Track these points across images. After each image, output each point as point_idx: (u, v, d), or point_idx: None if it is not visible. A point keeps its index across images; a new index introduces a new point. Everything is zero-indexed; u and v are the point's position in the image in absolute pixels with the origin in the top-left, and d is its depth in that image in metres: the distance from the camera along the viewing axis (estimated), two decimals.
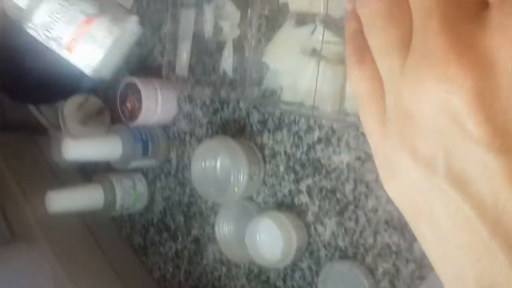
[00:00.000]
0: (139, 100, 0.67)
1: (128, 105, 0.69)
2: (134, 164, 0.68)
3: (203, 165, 0.63)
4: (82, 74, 0.67)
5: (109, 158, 0.67)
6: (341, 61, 0.53)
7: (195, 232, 0.69)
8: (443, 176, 0.18)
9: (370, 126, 0.22)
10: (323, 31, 0.53)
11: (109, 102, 0.75)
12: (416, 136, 0.18)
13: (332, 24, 0.54)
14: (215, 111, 0.68)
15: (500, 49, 0.17)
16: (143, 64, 0.75)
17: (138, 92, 0.67)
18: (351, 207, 0.56)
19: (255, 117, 0.64)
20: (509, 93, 0.16)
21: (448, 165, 0.18)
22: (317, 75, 0.54)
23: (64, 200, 0.65)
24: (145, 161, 0.69)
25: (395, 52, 0.19)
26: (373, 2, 0.20)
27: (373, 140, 0.22)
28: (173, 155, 0.71)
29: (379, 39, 0.20)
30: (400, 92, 0.19)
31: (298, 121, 0.60)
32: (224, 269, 0.67)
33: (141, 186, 0.71)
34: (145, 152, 0.67)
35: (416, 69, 0.18)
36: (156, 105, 0.68)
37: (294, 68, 0.57)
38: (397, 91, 0.19)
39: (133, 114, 0.68)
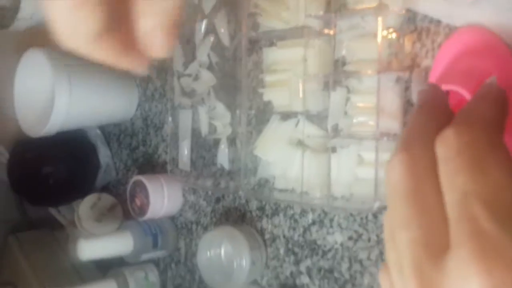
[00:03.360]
0: (147, 197, 0.72)
1: (137, 201, 0.74)
2: (145, 256, 0.72)
3: (208, 254, 0.67)
4: (94, 174, 0.73)
5: (122, 254, 0.71)
6: (324, 150, 0.58)
7: None
8: None
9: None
10: (304, 125, 0.59)
11: (120, 198, 0.81)
12: None
13: (312, 117, 0.59)
14: (217, 200, 0.72)
15: None
16: (150, 161, 0.81)
17: (145, 189, 0.72)
18: (349, 285, 0.59)
19: (253, 204, 0.68)
20: None
21: None
22: (303, 164, 0.59)
23: None
24: (156, 253, 0.73)
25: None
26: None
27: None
28: (181, 244, 0.75)
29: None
30: None
31: (293, 205, 0.64)
32: None
33: (153, 276, 0.75)
34: (155, 245, 0.72)
35: None
36: (163, 199, 0.73)
37: (283, 158, 0.62)
38: None
39: (142, 209, 0.73)
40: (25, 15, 0.72)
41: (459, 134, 0.21)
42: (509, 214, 0.19)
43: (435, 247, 0.20)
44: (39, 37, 0.62)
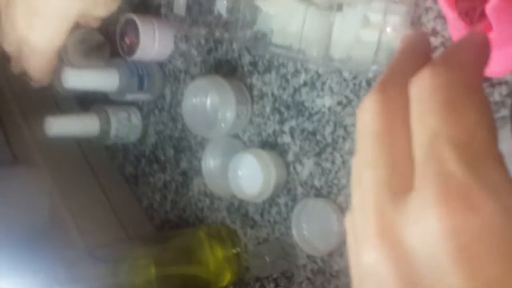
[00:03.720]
0: (137, 36, 0.69)
1: (127, 40, 0.71)
2: (129, 97, 0.71)
3: (194, 101, 0.66)
4: None
5: (106, 89, 0.70)
6: (330, 7, 0.55)
7: (183, 165, 0.73)
8: None
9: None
10: None
11: (109, 38, 0.78)
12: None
13: None
14: (209, 51, 0.70)
15: (416, 236, 0.18)
16: (144, 2, 0.77)
17: (136, 28, 0.69)
18: (329, 149, 0.59)
19: (246, 58, 0.66)
20: (430, 281, 0.18)
21: None
22: (305, 20, 0.56)
23: (62, 126, 0.69)
24: (140, 95, 0.72)
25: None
26: None
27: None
28: (167, 91, 0.74)
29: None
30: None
31: (286, 64, 0.62)
32: (207, 201, 0.71)
33: (136, 119, 0.74)
34: (140, 86, 0.70)
35: (361, 238, 0.21)
36: (154, 42, 0.70)
37: (285, 12, 0.59)
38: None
39: (131, 49, 0.71)
40: None
41: (435, 75, 0.20)
42: (478, 158, 0.18)
43: (398, 188, 0.20)
44: None
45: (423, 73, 0.20)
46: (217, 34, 0.67)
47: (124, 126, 0.73)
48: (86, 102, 0.75)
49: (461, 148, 0.18)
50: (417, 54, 0.23)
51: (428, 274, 0.18)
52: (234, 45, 0.67)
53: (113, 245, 0.61)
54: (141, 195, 0.77)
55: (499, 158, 0.19)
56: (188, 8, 0.69)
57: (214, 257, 0.65)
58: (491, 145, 0.19)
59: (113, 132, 0.72)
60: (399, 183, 0.20)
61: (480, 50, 0.22)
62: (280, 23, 0.60)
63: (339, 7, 0.54)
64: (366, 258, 0.20)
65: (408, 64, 0.22)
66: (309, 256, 0.60)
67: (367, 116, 0.21)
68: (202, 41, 0.71)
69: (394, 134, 0.21)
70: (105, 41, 0.77)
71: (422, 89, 0.20)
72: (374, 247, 0.19)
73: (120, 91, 0.70)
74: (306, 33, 0.57)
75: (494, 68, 0.45)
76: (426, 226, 0.18)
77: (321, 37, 0.56)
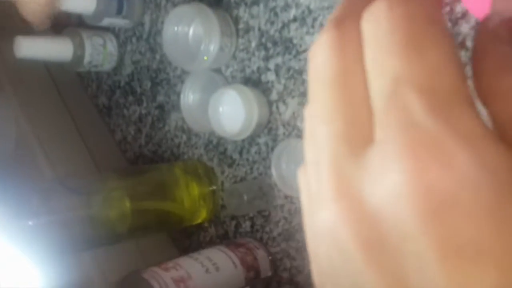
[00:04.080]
0: None
1: None
2: (107, 21, 0.66)
3: (175, 29, 0.62)
4: None
5: (83, 12, 0.65)
6: None
7: (160, 98, 0.70)
8: None
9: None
10: None
11: None
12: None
13: None
14: None
15: (379, 195, 0.16)
16: None
17: None
18: None
19: None
20: (395, 244, 0.16)
21: None
22: None
23: (33, 47, 0.65)
24: (118, 20, 0.67)
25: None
26: None
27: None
28: (147, 19, 0.70)
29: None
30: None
31: None
32: (184, 137, 0.68)
33: (111, 46, 0.70)
34: (119, 10, 0.66)
35: (316, 197, 0.18)
36: None
37: None
38: None
39: None
40: None
41: (391, 7, 0.17)
42: (447, 104, 0.16)
43: (356, 141, 0.17)
44: None
45: (377, 5, 0.17)
46: None
47: (99, 53, 0.69)
48: (59, 26, 0.70)
49: (427, 93, 0.16)
50: None
51: (392, 237, 0.16)
52: None
53: (86, 176, 0.59)
54: (115, 127, 0.74)
55: (470, 102, 0.16)
56: None
57: (190, 194, 0.64)
58: (460, 87, 0.16)
59: (87, 58, 0.68)
60: (358, 136, 0.18)
61: None
62: None
63: None
64: (322, 219, 0.18)
65: None
66: (287, 197, 0.60)
67: (320, 59, 0.19)
68: None
69: (350, 79, 0.18)
70: None
71: (377, 24, 0.17)
72: (331, 207, 0.17)
73: (97, 14, 0.65)
74: None
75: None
76: (390, 183, 0.16)
77: None
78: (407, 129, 0.16)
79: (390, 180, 0.16)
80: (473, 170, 0.15)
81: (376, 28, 0.17)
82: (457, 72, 0.16)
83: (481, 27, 0.19)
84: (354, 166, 0.17)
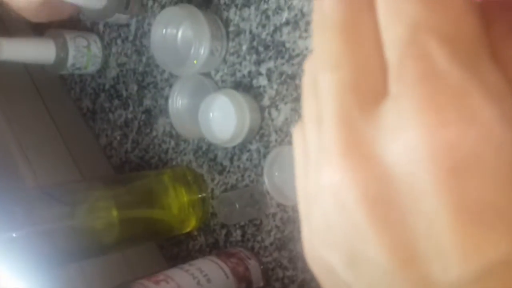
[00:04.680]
0: None
1: None
2: (114, 18, 0.63)
3: (164, 31, 0.60)
4: None
5: (91, 6, 0.61)
6: None
7: (147, 102, 0.67)
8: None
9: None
10: None
11: None
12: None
13: None
14: None
15: (393, 153, 0.15)
16: None
17: None
18: None
19: None
20: (406, 205, 0.15)
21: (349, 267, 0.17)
22: None
23: (14, 49, 0.61)
24: (125, 16, 0.64)
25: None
26: None
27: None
28: (132, 20, 0.67)
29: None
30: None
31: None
32: (172, 143, 0.66)
33: (96, 48, 0.68)
34: (127, 5, 0.63)
35: (317, 154, 0.17)
36: None
37: None
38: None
39: None
40: None
41: None
42: (472, 54, 0.15)
43: (369, 92, 0.16)
44: None
45: None
46: None
47: (83, 55, 0.66)
48: (41, 28, 0.67)
49: (451, 41, 0.14)
50: None
51: (402, 197, 0.15)
52: None
53: (71, 185, 0.56)
54: (99, 132, 0.71)
55: (491, 54, 0.15)
56: None
57: (179, 202, 0.62)
58: (484, 38, 0.15)
59: (70, 61, 0.65)
60: (369, 86, 0.16)
61: None
62: None
63: None
64: (325, 178, 0.16)
65: None
66: (279, 205, 0.58)
67: (327, 4, 0.17)
68: None
69: (360, 24, 0.16)
70: None
71: None
72: (337, 164, 0.16)
73: (108, 9, 0.61)
74: None
75: None
76: (406, 139, 0.14)
77: None
78: (428, 79, 0.14)
79: (406, 136, 0.14)
80: (499, 127, 0.14)
81: None
82: (479, 21, 0.15)
83: None
84: (366, 120, 0.16)
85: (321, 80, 0.17)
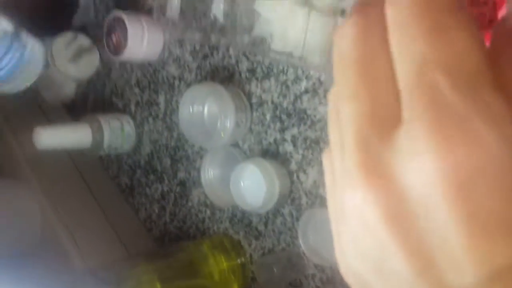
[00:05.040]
0: (125, 37, 0.66)
1: (114, 38, 0.68)
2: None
3: (190, 109, 0.64)
4: (71, 11, 0.66)
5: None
6: (332, 12, 0.53)
7: (181, 175, 0.71)
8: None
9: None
10: None
11: (98, 41, 0.75)
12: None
13: None
14: (205, 57, 0.68)
15: (408, 174, 0.16)
16: (134, 4, 0.74)
17: (124, 28, 0.66)
18: None
19: (244, 64, 0.64)
20: (423, 221, 0.16)
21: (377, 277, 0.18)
22: (307, 26, 0.54)
23: (52, 137, 0.66)
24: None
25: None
26: None
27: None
28: (161, 99, 0.71)
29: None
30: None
31: (287, 70, 0.60)
32: (208, 212, 0.69)
33: (129, 128, 0.72)
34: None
35: (342, 178, 0.19)
36: (142, 44, 0.68)
37: (285, 17, 0.57)
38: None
39: (118, 48, 0.68)
40: None
41: None
42: (474, 84, 0.16)
43: (384, 120, 0.18)
44: None
45: None
46: (213, 39, 0.65)
47: (118, 136, 0.70)
48: (76, 112, 0.72)
49: (454, 74, 0.16)
50: None
51: (420, 215, 0.16)
52: (231, 51, 0.65)
53: (115, 263, 0.59)
54: (138, 207, 0.74)
55: (494, 85, 0.17)
56: (182, 11, 0.67)
57: (219, 269, 0.64)
58: (485, 69, 0.17)
59: (106, 142, 0.69)
60: (385, 115, 0.18)
61: None
62: (280, 29, 0.58)
63: (342, 12, 0.52)
64: (349, 199, 0.18)
65: None
66: (317, 266, 0.59)
67: (345, 42, 0.19)
68: (197, 46, 0.68)
69: (376, 61, 0.19)
70: (93, 45, 0.74)
71: (401, 9, 0.18)
72: (359, 187, 0.17)
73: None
74: (307, 39, 0.55)
75: None
76: (420, 162, 0.16)
77: (324, 43, 0.54)
78: (435, 107, 0.16)
79: (420, 159, 0.16)
80: (500, 148, 0.16)
81: (401, 12, 0.18)
82: (482, 55, 0.17)
83: (498, 28, 0.20)
84: (383, 145, 0.17)
85: (342, 110, 0.19)
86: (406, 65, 0.18)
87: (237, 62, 0.65)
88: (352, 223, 0.18)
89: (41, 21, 0.71)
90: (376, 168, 0.17)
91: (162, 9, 0.66)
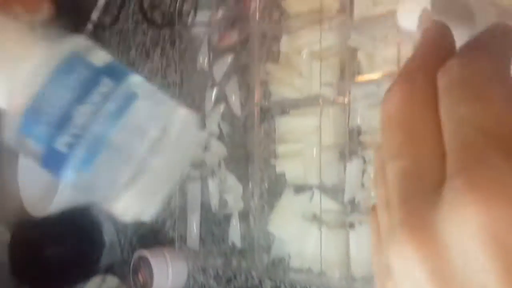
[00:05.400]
0: (151, 275, 0.68)
1: (140, 278, 0.70)
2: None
3: None
4: (98, 254, 0.69)
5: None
6: (341, 225, 0.54)
7: None
8: None
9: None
10: (320, 198, 0.55)
11: (125, 279, 0.76)
12: None
13: (327, 190, 0.55)
14: (229, 281, 0.67)
15: (451, 232, 0.17)
16: (156, 237, 0.77)
17: (149, 266, 0.68)
18: None
19: (267, 284, 0.63)
20: (464, 279, 0.17)
21: None
22: (320, 240, 0.54)
23: None
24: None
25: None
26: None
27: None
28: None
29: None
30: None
31: (310, 286, 0.59)
32: None
33: None
34: None
35: (388, 235, 0.20)
36: (167, 276, 0.69)
37: (298, 235, 0.58)
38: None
39: (145, 286, 0.69)
40: None
41: (463, 64, 0.20)
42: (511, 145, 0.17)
43: (428, 179, 0.18)
44: None
45: (450, 63, 0.20)
46: (234, 263, 0.65)
47: None
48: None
49: (493, 135, 0.17)
50: (441, 44, 0.22)
51: (462, 272, 0.16)
52: (253, 272, 0.65)
53: None
54: None
55: None
56: (201, 239, 0.69)
57: None
58: None
59: None
60: (429, 173, 0.18)
61: (505, 38, 0.21)
62: (296, 247, 0.59)
63: (351, 225, 0.53)
64: (395, 256, 0.18)
65: (432, 54, 0.22)
66: None
67: (393, 107, 0.20)
68: (220, 272, 0.68)
69: (421, 123, 0.20)
70: (122, 285, 0.76)
71: (451, 78, 0.19)
72: (404, 244, 0.17)
73: None
74: (324, 254, 0.55)
75: None
76: (462, 221, 0.16)
77: (340, 256, 0.54)
78: (474, 163, 0.17)
79: (462, 218, 0.16)
80: None
81: (450, 82, 0.19)
82: None
83: None
84: (425, 202, 0.18)
85: (387, 168, 0.20)
86: (451, 126, 0.19)
87: (260, 282, 0.64)
88: (398, 281, 0.18)
89: (71, 271, 0.74)
90: (419, 226, 0.17)
91: (183, 239, 0.69)
